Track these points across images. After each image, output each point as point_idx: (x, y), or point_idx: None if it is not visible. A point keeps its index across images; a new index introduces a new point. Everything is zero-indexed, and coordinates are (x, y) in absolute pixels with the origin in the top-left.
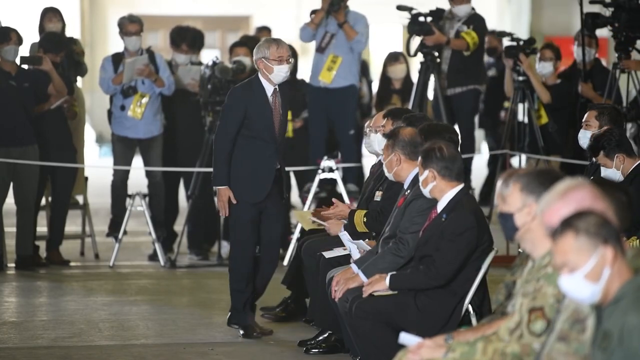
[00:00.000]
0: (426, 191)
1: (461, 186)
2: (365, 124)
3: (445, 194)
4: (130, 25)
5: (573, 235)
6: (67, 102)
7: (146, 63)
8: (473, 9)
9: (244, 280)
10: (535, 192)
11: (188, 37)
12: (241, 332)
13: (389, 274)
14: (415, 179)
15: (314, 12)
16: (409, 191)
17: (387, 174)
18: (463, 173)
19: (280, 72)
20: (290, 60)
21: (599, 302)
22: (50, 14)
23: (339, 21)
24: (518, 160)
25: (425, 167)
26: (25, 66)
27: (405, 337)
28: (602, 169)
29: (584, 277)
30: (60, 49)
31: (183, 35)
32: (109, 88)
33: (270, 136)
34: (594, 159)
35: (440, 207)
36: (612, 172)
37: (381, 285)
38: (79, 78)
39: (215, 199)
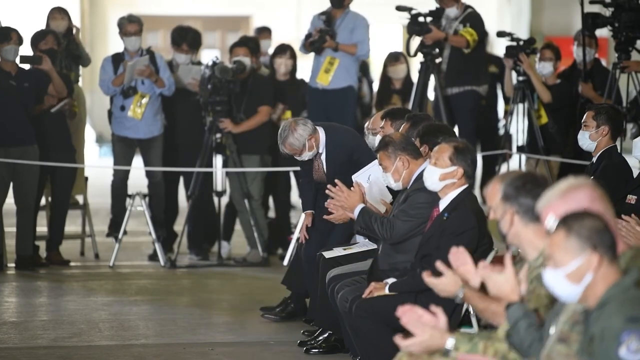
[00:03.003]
0: (441, 184)
1: (465, 186)
2: (365, 125)
3: (450, 192)
4: (130, 25)
5: (565, 234)
6: (68, 105)
7: (147, 64)
8: (468, 7)
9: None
10: (512, 198)
11: (188, 37)
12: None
13: (388, 282)
14: (417, 177)
15: (308, 36)
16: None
17: (393, 184)
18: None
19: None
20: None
21: (587, 306)
22: (56, 12)
23: (331, 47)
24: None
25: (455, 164)
26: (25, 66)
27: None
28: None
29: (566, 276)
30: (45, 34)
31: (183, 35)
32: (108, 89)
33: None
34: (593, 160)
35: (442, 205)
36: None
37: (381, 292)
38: (80, 78)
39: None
